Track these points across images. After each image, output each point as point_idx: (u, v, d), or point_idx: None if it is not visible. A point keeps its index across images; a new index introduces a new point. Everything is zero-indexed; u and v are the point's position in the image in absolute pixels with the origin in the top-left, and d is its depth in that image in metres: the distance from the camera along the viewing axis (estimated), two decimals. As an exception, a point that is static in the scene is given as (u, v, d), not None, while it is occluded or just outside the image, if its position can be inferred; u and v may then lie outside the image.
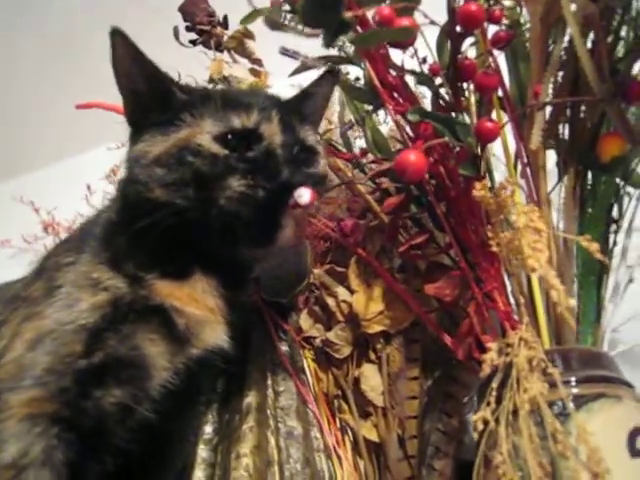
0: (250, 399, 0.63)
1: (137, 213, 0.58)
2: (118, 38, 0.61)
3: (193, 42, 1.05)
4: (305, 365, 0.72)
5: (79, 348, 0.53)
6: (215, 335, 0.60)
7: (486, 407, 0.54)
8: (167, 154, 0.59)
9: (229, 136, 0.59)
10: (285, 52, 0.66)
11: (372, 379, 0.69)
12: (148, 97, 0.62)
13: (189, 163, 0.57)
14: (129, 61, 0.61)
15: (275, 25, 0.40)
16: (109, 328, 0.54)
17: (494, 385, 0.54)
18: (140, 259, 0.58)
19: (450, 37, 0.62)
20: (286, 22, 0.40)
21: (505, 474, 0.49)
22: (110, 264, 0.58)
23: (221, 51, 1.04)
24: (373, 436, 0.68)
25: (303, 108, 0.68)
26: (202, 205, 0.56)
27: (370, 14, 0.52)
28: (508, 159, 0.68)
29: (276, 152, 0.59)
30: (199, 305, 0.59)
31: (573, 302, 0.42)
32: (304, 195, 0.54)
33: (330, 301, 0.71)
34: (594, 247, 0.45)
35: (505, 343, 0.57)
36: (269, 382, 0.66)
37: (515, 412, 0.53)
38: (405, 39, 0.56)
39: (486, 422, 0.53)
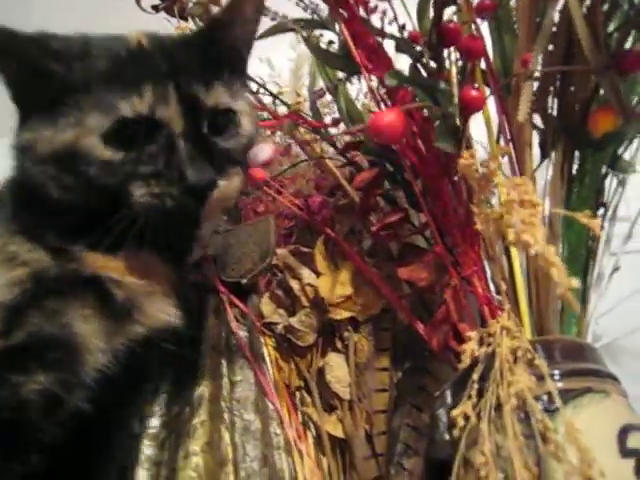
0: (202, 389, 0.56)
1: (40, 208, 0.51)
2: None
3: (155, 8, 0.97)
4: (265, 353, 0.66)
5: None
6: (163, 308, 0.53)
7: (467, 401, 0.49)
8: (56, 155, 0.50)
9: (121, 130, 0.49)
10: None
11: (338, 369, 0.64)
12: (23, 77, 0.51)
13: (82, 172, 0.49)
14: None
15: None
16: (32, 305, 0.46)
17: (475, 377, 0.50)
18: (64, 229, 0.50)
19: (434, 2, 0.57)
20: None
21: (488, 476, 0.44)
22: (28, 234, 0.50)
23: (185, 19, 0.97)
24: (338, 432, 0.63)
25: (211, 52, 0.54)
26: (110, 207, 0.49)
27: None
28: (490, 135, 0.63)
29: (178, 146, 0.49)
30: (141, 275, 0.51)
31: (576, 282, 0.37)
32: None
33: (294, 284, 0.65)
34: (595, 223, 0.40)
35: (486, 332, 0.52)
36: (224, 371, 0.59)
37: (498, 407, 0.48)
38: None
39: (467, 417, 0.48)
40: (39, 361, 0.45)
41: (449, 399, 0.64)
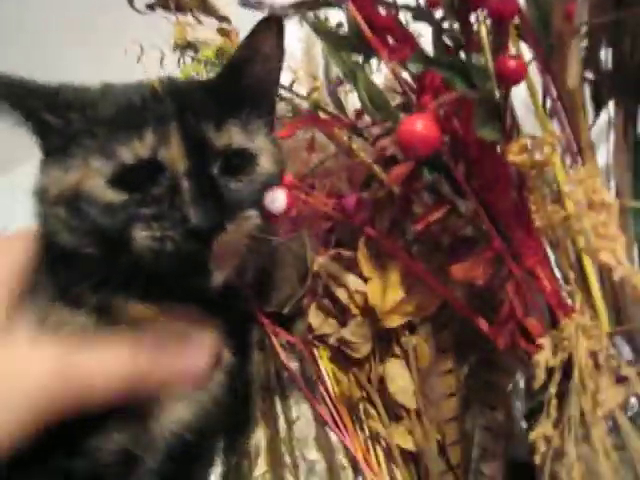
0: (259, 436, 0.53)
1: (62, 260, 0.50)
2: None
3: (151, 7, 0.92)
4: (321, 366, 0.62)
5: None
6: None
7: (546, 420, 0.44)
8: (64, 197, 0.48)
9: (124, 174, 0.47)
10: (246, 3, 0.53)
11: (400, 378, 0.59)
12: (31, 126, 0.51)
13: (86, 214, 0.48)
14: None
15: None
16: None
17: (552, 391, 0.44)
18: (88, 281, 0.48)
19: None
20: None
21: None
22: (63, 296, 0.48)
23: (184, 12, 0.91)
24: (408, 444, 0.59)
25: (228, 91, 0.52)
26: (115, 255, 0.46)
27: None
28: (535, 101, 0.56)
29: (181, 186, 0.46)
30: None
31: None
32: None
33: (341, 293, 0.60)
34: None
35: (559, 336, 0.46)
36: (280, 410, 0.56)
37: (582, 420, 0.43)
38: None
39: (548, 440, 0.43)
40: (114, 420, 0.45)
41: (524, 394, 0.59)
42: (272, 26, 0.52)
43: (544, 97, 0.57)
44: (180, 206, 0.45)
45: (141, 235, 0.46)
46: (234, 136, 0.49)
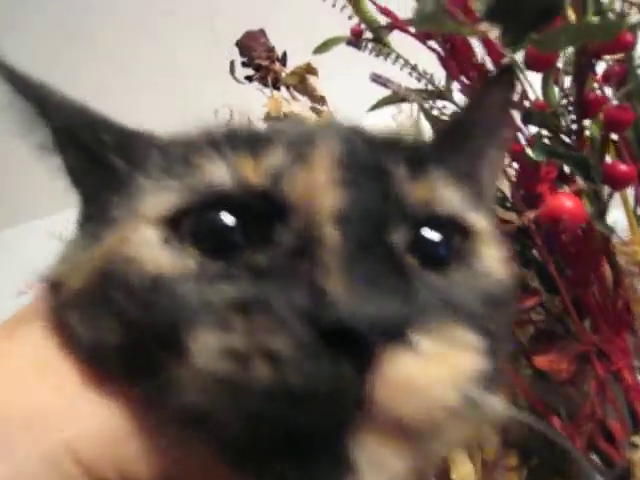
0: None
1: None
2: None
3: (249, 78, 0.99)
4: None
5: None
6: None
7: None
8: (88, 291, 0.25)
9: (201, 217, 0.25)
10: (376, 79, 0.57)
11: (463, 467, 0.58)
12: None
13: (115, 307, 0.24)
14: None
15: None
16: None
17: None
18: None
19: (578, 64, 0.53)
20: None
21: None
22: None
23: (278, 89, 0.98)
24: (469, 540, 0.56)
25: (440, 152, 0.30)
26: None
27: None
28: (626, 204, 0.58)
29: (321, 241, 0.23)
30: None
31: None
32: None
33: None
34: None
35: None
36: None
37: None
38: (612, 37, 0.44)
39: None
40: None
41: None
42: (506, 84, 0.33)
43: (635, 204, 0.59)
44: (312, 281, 0.21)
45: (207, 343, 0.22)
46: (441, 191, 0.27)
